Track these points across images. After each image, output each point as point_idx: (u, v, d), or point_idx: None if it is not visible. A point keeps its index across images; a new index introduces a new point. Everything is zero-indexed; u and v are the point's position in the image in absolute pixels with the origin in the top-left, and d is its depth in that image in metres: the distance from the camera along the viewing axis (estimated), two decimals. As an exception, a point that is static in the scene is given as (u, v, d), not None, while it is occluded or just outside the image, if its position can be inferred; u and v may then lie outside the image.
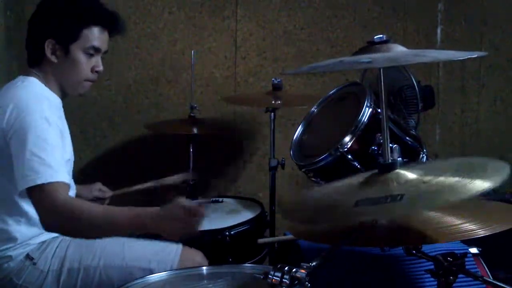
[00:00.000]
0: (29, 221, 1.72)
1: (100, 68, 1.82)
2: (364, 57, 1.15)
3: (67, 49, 1.75)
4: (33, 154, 1.56)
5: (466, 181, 1.06)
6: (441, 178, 1.11)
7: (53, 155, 1.59)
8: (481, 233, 1.13)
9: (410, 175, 1.17)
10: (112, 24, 1.82)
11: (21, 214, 1.72)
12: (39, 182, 1.53)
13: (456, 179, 1.08)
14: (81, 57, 1.77)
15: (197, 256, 1.81)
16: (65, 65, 1.77)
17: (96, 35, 1.77)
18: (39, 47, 1.75)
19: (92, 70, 1.80)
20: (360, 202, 1.08)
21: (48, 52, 1.74)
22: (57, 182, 1.55)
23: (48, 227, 1.60)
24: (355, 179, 1.27)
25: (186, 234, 1.58)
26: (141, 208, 1.59)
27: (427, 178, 1.13)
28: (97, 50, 1.79)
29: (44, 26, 1.77)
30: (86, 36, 1.76)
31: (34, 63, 1.79)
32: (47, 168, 1.55)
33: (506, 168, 1.08)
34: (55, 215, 1.54)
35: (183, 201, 1.57)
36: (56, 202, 1.54)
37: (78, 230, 1.60)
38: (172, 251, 1.79)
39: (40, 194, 1.55)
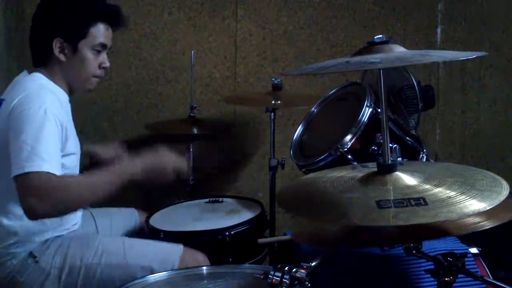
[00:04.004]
0: None
1: (107, 64, 1.83)
2: (373, 58, 1.13)
3: (75, 47, 1.76)
4: (25, 143, 1.54)
5: (464, 198, 1.03)
6: (439, 189, 1.07)
7: (45, 145, 1.56)
8: (488, 224, 1.13)
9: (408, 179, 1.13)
10: (116, 19, 1.83)
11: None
12: (26, 170, 1.50)
13: (454, 193, 1.05)
14: (89, 55, 1.78)
15: (199, 257, 1.81)
16: (74, 63, 1.77)
17: (102, 32, 1.79)
18: (46, 46, 1.75)
19: (100, 66, 1.82)
20: (382, 203, 1.03)
21: (56, 51, 1.75)
22: (45, 172, 1.52)
23: (30, 213, 1.52)
24: (345, 173, 1.24)
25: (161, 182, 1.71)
26: (119, 166, 1.66)
27: (426, 186, 1.09)
28: (103, 46, 1.81)
29: (51, 25, 1.76)
30: (93, 33, 1.77)
31: (41, 63, 1.79)
32: (36, 157, 1.52)
33: (504, 189, 1.06)
34: (37, 199, 1.49)
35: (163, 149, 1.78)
36: (40, 188, 1.50)
37: (60, 209, 1.57)
38: (173, 251, 1.79)
39: (25, 182, 1.51)
